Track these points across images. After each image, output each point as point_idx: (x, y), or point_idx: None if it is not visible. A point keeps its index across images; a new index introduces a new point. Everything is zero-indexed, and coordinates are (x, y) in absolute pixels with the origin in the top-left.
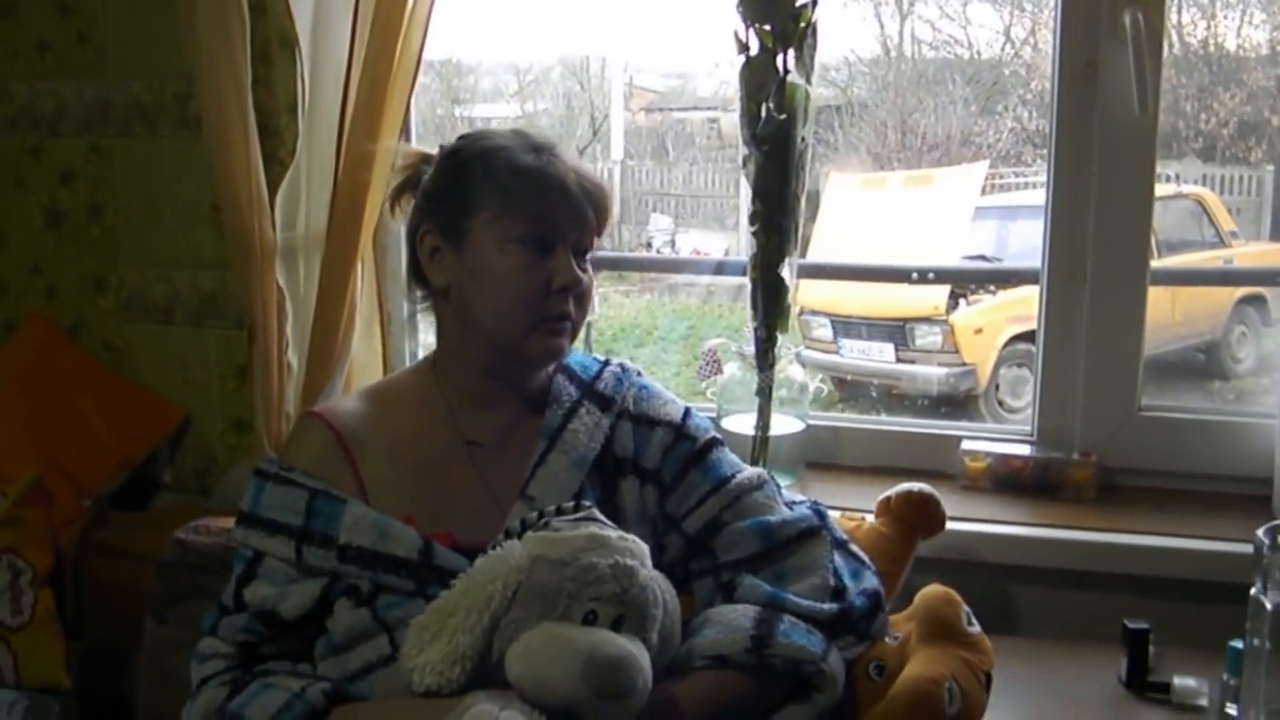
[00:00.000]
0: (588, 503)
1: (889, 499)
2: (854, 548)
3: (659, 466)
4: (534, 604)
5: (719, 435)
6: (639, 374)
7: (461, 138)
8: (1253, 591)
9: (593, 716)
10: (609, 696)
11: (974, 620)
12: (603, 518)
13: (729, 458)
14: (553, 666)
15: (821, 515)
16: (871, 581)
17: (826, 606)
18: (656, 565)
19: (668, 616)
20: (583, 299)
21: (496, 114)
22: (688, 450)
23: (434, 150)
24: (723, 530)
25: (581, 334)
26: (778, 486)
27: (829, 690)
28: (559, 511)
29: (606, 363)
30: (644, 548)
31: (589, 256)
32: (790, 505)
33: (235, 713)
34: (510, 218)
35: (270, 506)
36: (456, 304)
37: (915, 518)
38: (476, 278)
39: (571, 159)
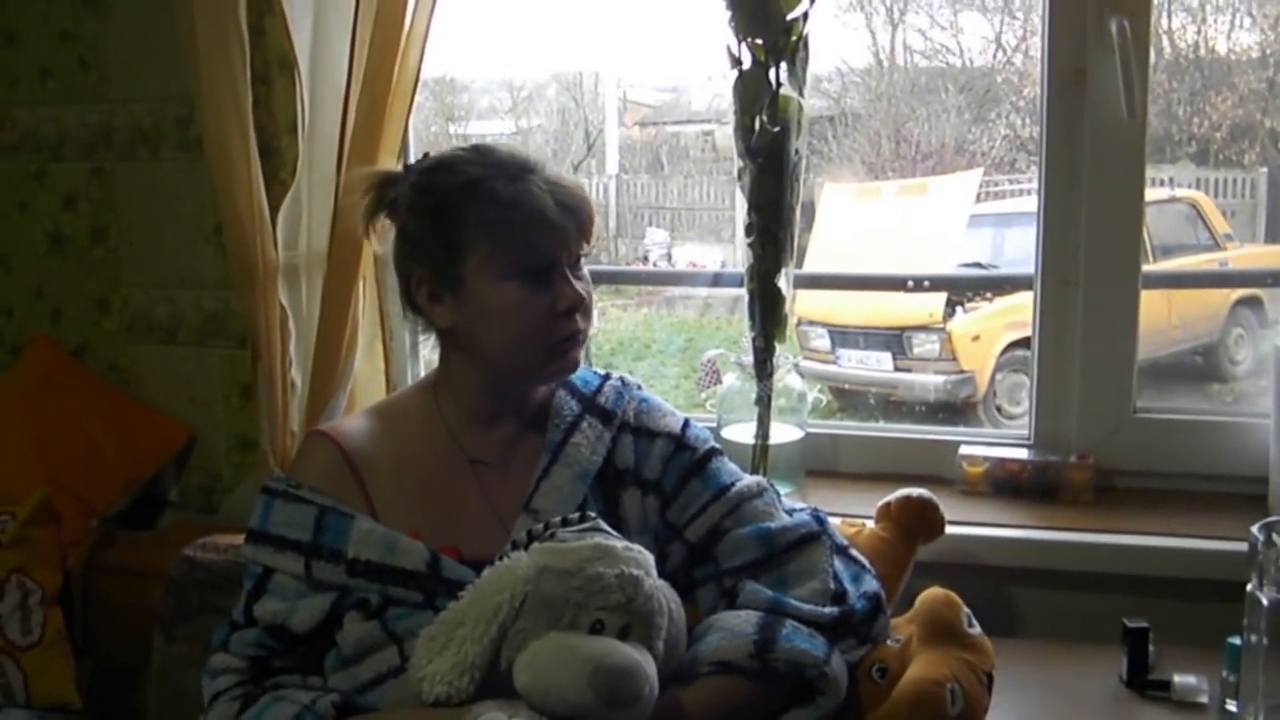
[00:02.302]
0: (593, 513)
1: (888, 504)
2: (854, 552)
3: (660, 477)
4: (541, 614)
5: (718, 445)
6: (639, 387)
7: (430, 170)
8: (1249, 588)
9: None
10: (616, 704)
11: (974, 622)
12: (608, 528)
13: (728, 466)
14: (560, 675)
15: (821, 521)
16: (872, 585)
17: (828, 610)
18: (659, 574)
19: (673, 625)
20: (587, 309)
21: (491, 131)
22: (688, 460)
23: (394, 168)
24: (724, 537)
25: None
26: (777, 494)
27: (832, 693)
28: (565, 522)
29: (607, 377)
30: (649, 557)
31: (583, 262)
32: (790, 512)
33: None
34: (501, 255)
35: (279, 523)
36: (465, 342)
37: (915, 522)
38: (481, 318)
39: (545, 175)
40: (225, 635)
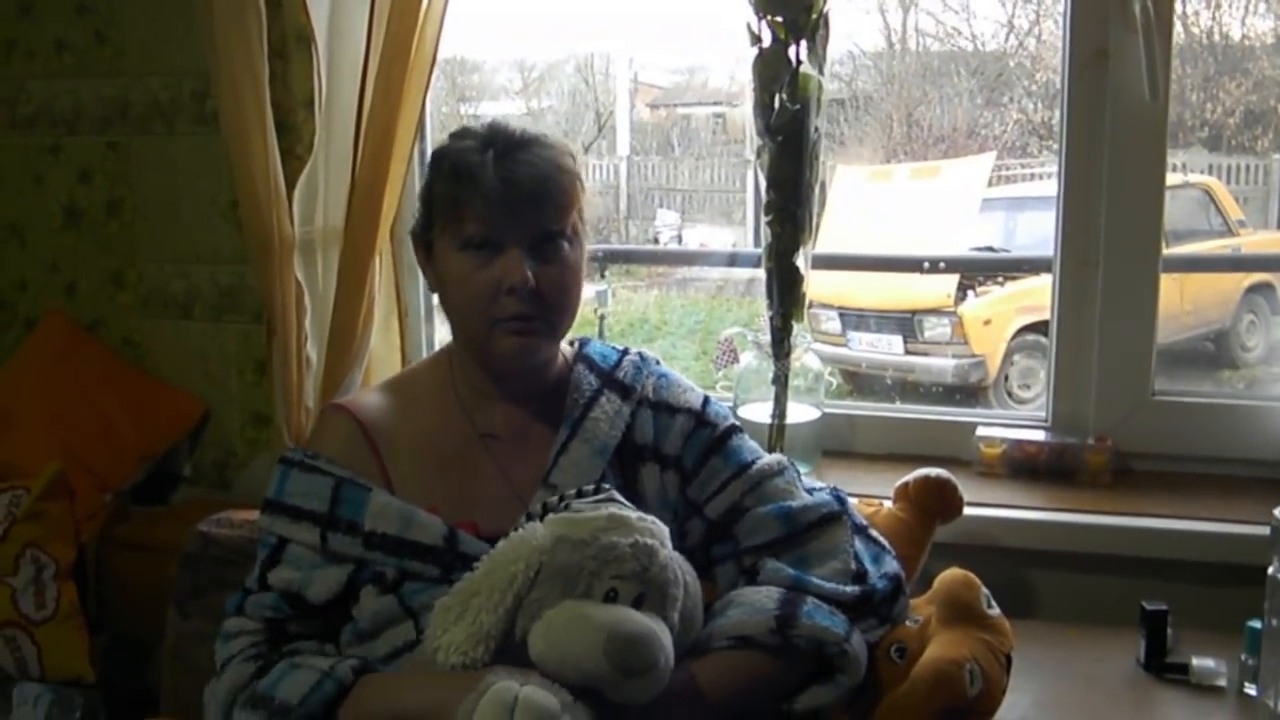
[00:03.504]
0: (607, 485)
1: (907, 484)
2: (874, 532)
3: (680, 453)
4: (556, 583)
5: (738, 422)
6: (658, 362)
7: (450, 135)
8: (1270, 570)
9: (614, 692)
10: (630, 672)
11: (993, 603)
12: (623, 499)
13: (749, 444)
14: (574, 643)
15: (842, 500)
16: (892, 565)
17: (849, 589)
18: (679, 551)
19: (689, 598)
20: (546, 295)
21: (502, 112)
22: (708, 437)
23: None
24: (744, 515)
25: (595, 327)
26: (797, 472)
27: (852, 671)
28: (579, 494)
29: (625, 351)
30: (664, 528)
31: (566, 244)
32: (810, 491)
33: (265, 694)
34: (455, 223)
35: (295, 493)
36: (444, 308)
37: (933, 502)
38: (442, 284)
39: (527, 154)
40: (239, 601)
